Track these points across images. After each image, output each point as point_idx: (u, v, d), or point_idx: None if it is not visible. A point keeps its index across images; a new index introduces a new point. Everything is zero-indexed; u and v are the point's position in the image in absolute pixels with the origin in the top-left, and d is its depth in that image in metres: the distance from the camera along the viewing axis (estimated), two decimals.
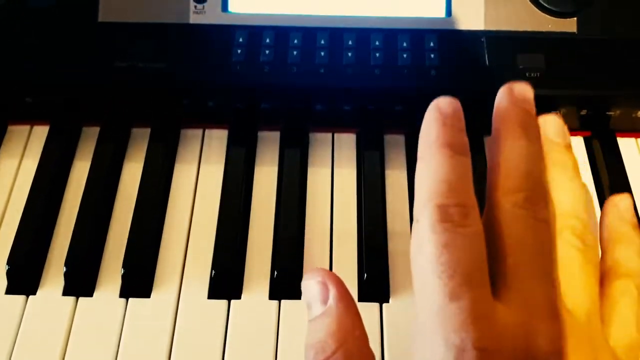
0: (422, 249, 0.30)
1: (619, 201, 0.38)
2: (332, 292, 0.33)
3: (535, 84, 0.50)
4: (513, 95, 0.35)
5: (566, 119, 0.51)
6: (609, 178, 0.50)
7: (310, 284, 0.34)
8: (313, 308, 0.34)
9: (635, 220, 0.37)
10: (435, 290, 0.29)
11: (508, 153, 0.32)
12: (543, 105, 0.50)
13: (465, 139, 0.33)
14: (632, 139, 0.53)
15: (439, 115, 0.33)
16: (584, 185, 0.36)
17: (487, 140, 0.34)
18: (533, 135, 0.33)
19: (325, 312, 0.33)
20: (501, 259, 0.30)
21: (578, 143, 0.53)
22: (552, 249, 0.32)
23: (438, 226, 0.29)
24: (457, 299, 0.28)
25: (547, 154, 0.35)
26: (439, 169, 0.31)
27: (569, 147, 0.36)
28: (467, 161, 0.32)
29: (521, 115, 0.34)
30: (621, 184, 0.49)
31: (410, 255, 0.31)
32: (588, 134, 0.53)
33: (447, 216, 0.30)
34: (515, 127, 0.33)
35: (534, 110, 0.35)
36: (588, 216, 0.34)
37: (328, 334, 0.32)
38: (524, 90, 0.35)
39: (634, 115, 0.52)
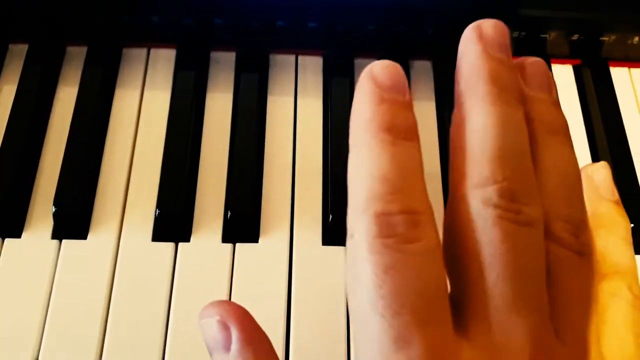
0: (358, 278, 0.22)
1: (592, 172, 0.30)
2: (235, 335, 0.25)
3: (521, 4, 0.46)
4: (482, 39, 0.25)
5: (554, 44, 0.47)
6: (600, 111, 0.45)
7: (208, 324, 0.26)
8: (215, 354, 0.26)
9: (616, 194, 0.29)
10: (377, 334, 0.21)
11: (476, 126, 0.24)
12: (532, 28, 0.46)
13: (412, 118, 0.24)
14: (625, 69, 0.49)
15: (374, 88, 0.24)
16: (576, 158, 0.27)
17: (453, 115, 0.25)
18: (511, 97, 0.24)
19: None
20: (467, 282, 0.23)
21: (567, 71, 0.48)
22: (541, 260, 0.23)
23: (377, 244, 0.22)
24: (407, 345, 0.21)
25: (533, 114, 0.26)
26: (377, 162, 0.23)
27: (557, 103, 0.27)
28: (415, 148, 0.24)
29: (494, 68, 0.24)
30: (613, 118, 0.45)
31: (345, 284, 0.24)
32: (578, 62, 0.49)
33: (389, 229, 0.22)
34: (485, 87, 0.24)
35: (511, 59, 0.25)
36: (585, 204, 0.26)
37: None
38: (496, 30, 0.25)
39: (629, 42, 0.47)
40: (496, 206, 0.23)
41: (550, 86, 0.27)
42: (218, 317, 0.26)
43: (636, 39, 0.47)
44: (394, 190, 0.22)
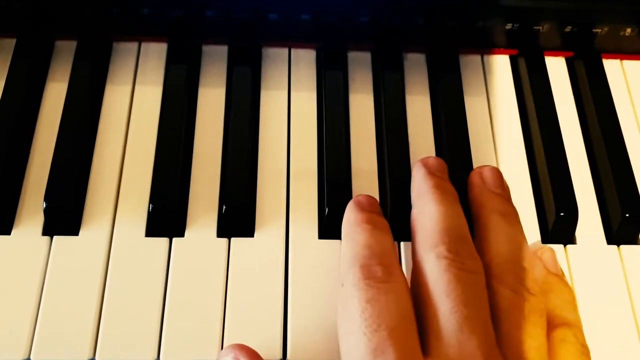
0: (346, 308, 0.31)
1: (541, 254, 0.39)
2: None
3: None
4: (426, 166, 0.38)
5: (547, 37, 0.47)
6: (594, 103, 0.45)
7: None
8: None
9: (561, 269, 0.39)
10: (359, 348, 0.29)
11: (428, 215, 0.35)
12: (525, 20, 0.46)
13: (385, 222, 0.36)
14: (617, 61, 0.49)
15: (357, 205, 0.37)
16: (523, 233, 0.37)
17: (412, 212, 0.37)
18: (451, 198, 0.36)
19: None
20: (429, 313, 0.31)
21: (559, 64, 0.48)
22: (484, 298, 0.32)
23: (361, 283, 0.31)
24: (383, 354, 0.28)
25: (486, 204, 0.37)
26: (361, 239, 0.34)
27: (508, 198, 0.39)
28: (388, 236, 0.35)
29: (436, 181, 0.37)
30: (606, 110, 0.45)
31: (337, 321, 0.32)
32: (571, 54, 0.49)
33: (370, 273, 0.31)
34: (432, 191, 0.36)
35: (447, 176, 0.38)
36: (529, 265, 0.35)
37: None
38: (436, 163, 0.38)
39: (621, 33, 0.47)
40: (446, 258, 0.32)
41: (503, 185, 0.39)
42: (232, 355, 0.33)
43: (628, 30, 0.47)
44: (373, 253, 0.33)
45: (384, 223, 0.36)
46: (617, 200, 0.41)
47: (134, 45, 0.46)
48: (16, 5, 0.43)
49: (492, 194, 0.38)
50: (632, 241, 0.41)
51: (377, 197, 0.41)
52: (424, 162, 0.38)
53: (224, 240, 0.39)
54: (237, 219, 0.39)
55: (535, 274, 0.36)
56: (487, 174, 0.39)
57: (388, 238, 0.35)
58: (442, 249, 0.32)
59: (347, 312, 0.31)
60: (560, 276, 0.38)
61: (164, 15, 0.44)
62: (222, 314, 0.36)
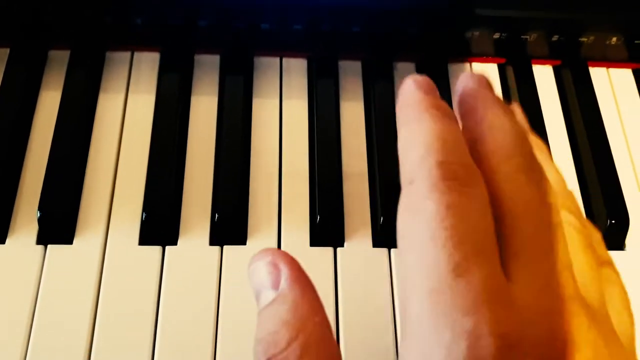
0: (418, 213, 0.24)
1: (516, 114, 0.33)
2: (285, 273, 0.27)
3: (503, 5, 0.47)
4: (480, 80, 0.31)
5: (535, 45, 0.48)
6: (580, 111, 0.46)
7: (257, 267, 0.28)
8: (262, 296, 0.28)
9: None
10: (437, 263, 0.23)
11: (495, 123, 0.28)
12: (513, 29, 0.47)
13: (450, 109, 0.29)
14: (603, 69, 0.50)
15: (417, 84, 0.29)
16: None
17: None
18: (513, 115, 0.30)
19: (276, 298, 0.27)
20: (510, 231, 0.25)
21: (547, 72, 0.49)
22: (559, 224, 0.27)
23: (441, 184, 0.24)
24: (467, 273, 0.23)
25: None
26: (432, 127, 0.26)
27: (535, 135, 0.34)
28: (459, 127, 0.28)
29: (497, 97, 0.30)
30: (593, 117, 0.46)
31: (397, 227, 0.25)
32: (558, 62, 0.49)
33: (451, 173, 0.25)
34: (494, 104, 0.29)
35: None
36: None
37: (281, 323, 0.26)
38: (487, 78, 0.32)
39: (607, 42, 0.48)
40: (524, 173, 0.26)
41: (527, 124, 0.33)
42: (269, 259, 0.28)
43: (614, 39, 0.47)
44: (451, 148, 0.26)
45: (451, 111, 0.29)
46: (603, 206, 0.42)
47: (127, 54, 0.46)
48: (10, 15, 0.44)
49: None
50: (618, 247, 0.42)
51: (367, 204, 0.42)
52: (473, 74, 0.31)
53: (217, 248, 0.39)
54: (229, 227, 0.39)
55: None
56: (517, 111, 0.33)
57: (460, 131, 0.28)
58: (520, 161, 0.27)
59: (418, 217, 0.24)
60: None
61: (156, 25, 0.45)
62: (215, 322, 0.37)
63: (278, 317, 0.26)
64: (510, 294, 0.23)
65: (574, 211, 0.29)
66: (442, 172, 0.25)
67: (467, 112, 0.30)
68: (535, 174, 0.27)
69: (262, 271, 0.28)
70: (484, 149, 0.28)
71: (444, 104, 0.28)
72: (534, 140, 0.32)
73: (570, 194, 0.30)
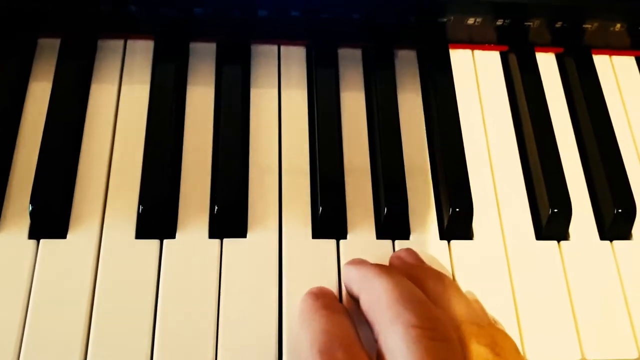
0: None
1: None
2: None
3: None
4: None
5: (538, 32, 0.47)
6: (585, 98, 0.45)
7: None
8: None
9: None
10: None
11: (385, 288, 0.32)
12: (516, 16, 0.46)
13: (342, 305, 0.35)
14: (606, 57, 0.49)
15: (311, 295, 0.35)
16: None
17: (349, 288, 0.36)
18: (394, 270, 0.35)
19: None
20: None
21: (549, 59, 0.48)
22: None
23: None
24: None
25: (424, 274, 0.36)
26: (318, 325, 0.32)
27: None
28: (347, 318, 0.33)
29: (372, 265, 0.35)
30: (597, 105, 0.45)
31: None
32: (560, 50, 0.49)
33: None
34: (375, 270, 0.34)
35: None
36: (484, 315, 0.35)
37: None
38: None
39: (611, 29, 0.47)
40: (415, 326, 0.30)
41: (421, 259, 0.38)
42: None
43: (617, 26, 0.47)
44: (334, 337, 0.31)
45: (341, 306, 0.34)
46: (609, 196, 0.41)
47: (120, 42, 0.44)
48: None
49: (421, 268, 0.37)
50: (624, 237, 0.41)
51: (370, 195, 0.41)
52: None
53: (216, 241, 0.38)
54: (229, 219, 0.38)
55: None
56: (407, 254, 0.38)
57: (347, 320, 0.33)
58: (408, 317, 0.30)
59: None
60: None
61: (151, 13, 0.43)
62: (215, 317, 0.36)
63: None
64: None
65: (484, 338, 0.32)
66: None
67: (357, 285, 0.35)
68: (429, 322, 0.30)
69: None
70: (381, 314, 0.32)
71: (335, 302, 0.35)
72: (435, 274, 0.36)
73: (475, 318, 0.34)
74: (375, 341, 0.31)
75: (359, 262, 0.36)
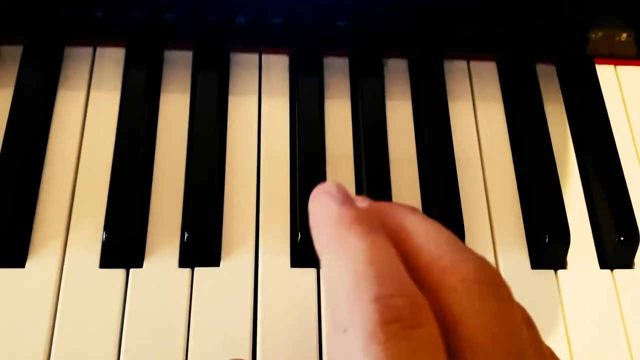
0: None
1: None
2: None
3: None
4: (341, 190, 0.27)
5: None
6: (586, 111, 0.43)
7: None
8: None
9: None
10: None
11: (417, 228, 0.24)
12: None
13: (374, 216, 0.25)
14: (611, 66, 0.46)
15: (330, 196, 0.26)
16: None
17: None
18: (422, 214, 0.26)
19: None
20: None
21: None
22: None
23: (381, 331, 0.20)
24: None
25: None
26: (359, 251, 0.22)
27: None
28: (386, 241, 0.23)
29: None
30: (599, 117, 0.42)
31: None
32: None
33: (393, 314, 0.20)
34: (406, 209, 0.26)
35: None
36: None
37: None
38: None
39: (617, 38, 0.44)
40: (474, 281, 0.22)
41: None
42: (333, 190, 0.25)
43: (624, 35, 0.44)
44: (387, 275, 0.21)
45: (378, 222, 0.25)
46: (611, 221, 0.39)
47: (89, 50, 0.42)
48: None
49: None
50: (626, 265, 0.39)
51: None
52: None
53: (187, 271, 0.35)
54: (200, 247, 0.36)
55: None
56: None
57: (391, 247, 0.23)
58: (470, 268, 0.22)
59: None
60: None
61: (121, 18, 0.40)
62: (184, 352, 0.33)
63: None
64: None
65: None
66: (381, 314, 0.20)
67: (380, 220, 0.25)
68: (489, 285, 0.22)
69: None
70: (418, 262, 0.23)
71: (365, 211, 0.25)
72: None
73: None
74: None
75: (330, 204, 0.26)
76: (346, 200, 0.25)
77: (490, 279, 0.22)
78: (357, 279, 0.21)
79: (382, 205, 0.27)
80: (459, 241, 0.24)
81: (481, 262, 0.23)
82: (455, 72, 0.44)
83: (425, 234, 0.24)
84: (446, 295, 0.21)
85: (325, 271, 0.23)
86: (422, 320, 0.20)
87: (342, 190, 0.26)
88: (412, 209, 0.26)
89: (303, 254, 0.36)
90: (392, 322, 0.20)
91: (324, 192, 0.26)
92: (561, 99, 0.44)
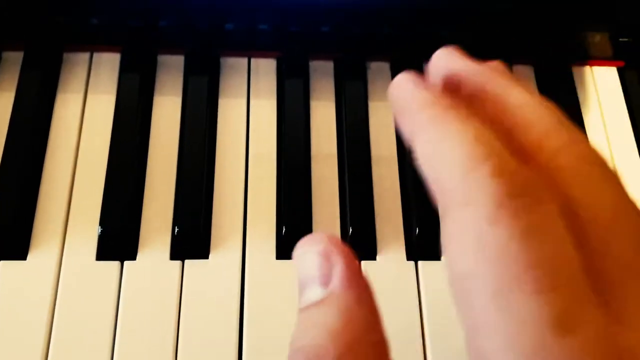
0: (486, 248, 0.18)
1: None
2: (338, 270, 0.22)
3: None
4: (460, 52, 0.26)
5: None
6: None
7: (305, 256, 0.23)
8: (307, 290, 0.22)
9: None
10: (530, 319, 0.17)
11: (523, 102, 0.22)
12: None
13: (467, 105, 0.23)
14: (587, 67, 0.47)
15: (416, 84, 0.23)
16: None
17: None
18: (528, 87, 0.24)
19: (325, 299, 0.21)
20: (600, 254, 0.19)
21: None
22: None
23: (511, 204, 0.18)
24: (575, 327, 0.17)
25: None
26: (466, 131, 0.20)
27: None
28: (489, 125, 0.22)
29: (495, 66, 0.25)
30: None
31: (453, 265, 0.19)
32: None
33: (519, 187, 0.19)
34: (508, 79, 0.24)
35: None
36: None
37: (327, 333, 0.20)
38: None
39: (592, 39, 0.46)
40: (587, 162, 0.21)
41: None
42: (320, 247, 0.22)
43: (598, 37, 0.45)
44: (501, 153, 0.20)
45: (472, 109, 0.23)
46: None
47: (86, 55, 0.44)
48: None
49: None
50: None
51: (337, 213, 0.40)
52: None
53: (178, 263, 0.37)
54: (190, 240, 0.37)
55: None
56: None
57: (492, 133, 0.21)
58: (580, 147, 0.21)
59: (487, 254, 0.18)
60: None
61: (116, 25, 0.42)
62: (175, 339, 0.35)
63: (325, 325, 0.20)
64: (620, 342, 0.17)
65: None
66: (507, 188, 0.19)
67: (471, 95, 0.24)
68: (604, 168, 0.21)
69: (311, 261, 0.22)
70: (526, 138, 0.21)
71: (459, 101, 0.22)
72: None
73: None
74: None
75: (419, 90, 0.23)
76: (434, 89, 0.23)
77: (604, 162, 0.21)
78: (472, 157, 0.20)
79: (480, 79, 0.24)
80: (568, 120, 0.22)
81: (591, 144, 0.22)
82: None
83: (533, 110, 0.22)
84: (560, 175, 0.20)
85: (426, 153, 0.22)
86: (548, 194, 0.19)
87: (426, 78, 0.24)
88: (515, 83, 0.23)
89: (288, 247, 0.38)
90: (521, 196, 0.19)
91: (408, 80, 0.24)
92: None
